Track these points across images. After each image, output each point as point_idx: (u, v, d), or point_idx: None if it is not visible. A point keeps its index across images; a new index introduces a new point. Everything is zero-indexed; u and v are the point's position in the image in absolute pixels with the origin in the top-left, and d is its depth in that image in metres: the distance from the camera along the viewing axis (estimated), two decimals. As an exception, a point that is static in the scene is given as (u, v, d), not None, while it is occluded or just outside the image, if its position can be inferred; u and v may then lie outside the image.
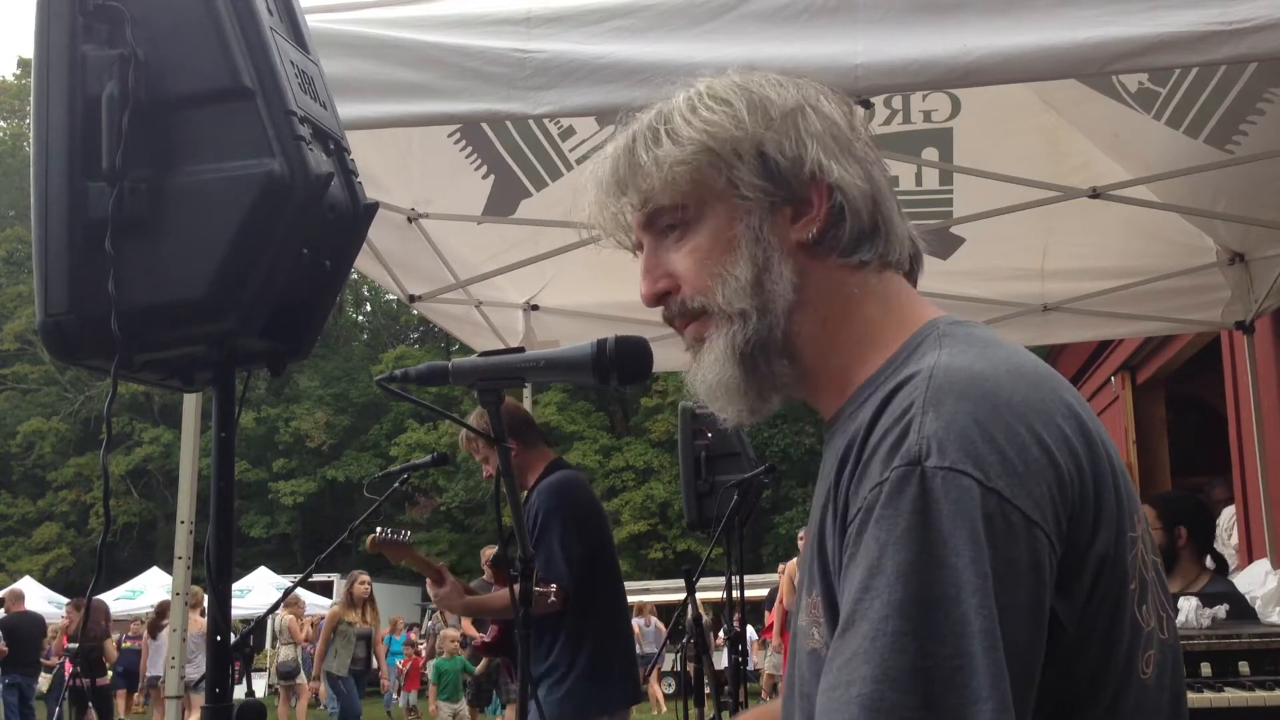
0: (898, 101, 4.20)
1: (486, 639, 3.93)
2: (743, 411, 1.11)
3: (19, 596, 14.23)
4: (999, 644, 0.84)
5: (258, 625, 4.64)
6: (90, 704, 11.75)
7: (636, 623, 19.97)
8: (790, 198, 1.07)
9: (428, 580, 3.65)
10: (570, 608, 3.54)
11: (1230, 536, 6.38)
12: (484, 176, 4.39)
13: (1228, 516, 6.49)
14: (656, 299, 1.13)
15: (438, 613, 16.87)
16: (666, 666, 18.05)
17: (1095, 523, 0.92)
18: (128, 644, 15.66)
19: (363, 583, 12.47)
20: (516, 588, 2.04)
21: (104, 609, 13.77)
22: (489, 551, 3.87)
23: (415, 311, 5.31)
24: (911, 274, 1.13)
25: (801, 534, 9.01)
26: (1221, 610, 3.68)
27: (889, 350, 1.05)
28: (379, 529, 3.64)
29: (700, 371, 1.11)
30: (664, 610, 20.92)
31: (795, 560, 8.94)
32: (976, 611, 0.84)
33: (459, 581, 3.66)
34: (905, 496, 0.87)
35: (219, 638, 1.37)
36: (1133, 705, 0.95)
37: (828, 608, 0.97)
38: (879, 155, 1.12)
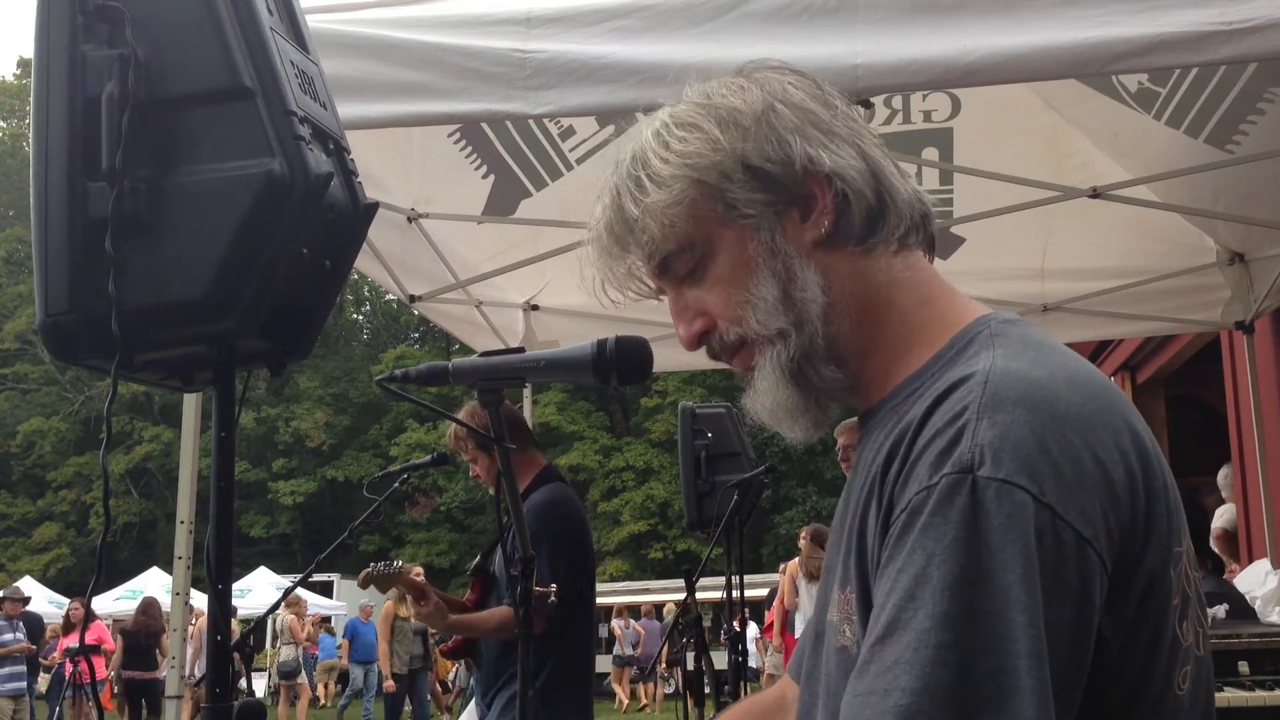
0: (898, 101, 4.20)
1: (449, 645, 3.84)
2: (808, 427, 1.09)
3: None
4: (1045, 664, 0.83)
5: (258, 625, 4.65)
6: (89, 701, 11.75)
7: (616, 624, 19.89)
8: (793, 199, 1.05)
9: (409, 599, 3.57)
10: (548, 628, 3.48)
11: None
12: (484, 176, 4.39)
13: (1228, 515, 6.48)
14: (696, 341, 1.11)
15: None
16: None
17: (1145, 540, 0.91)
18: None
19: (416, 574, 12.02)
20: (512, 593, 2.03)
21: (157, 604, 13.60)
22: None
23: (415, 311, 5.31)
24: (927, 238, 1.10)
25: (802, 534, 9.00)
26: (1221, 610, 3.68)
27: (934, 345, 1.03)
28: (372, 565, 3.60)
29: (758, 398, 1.08)
30: (663, 610, 20.92)
31: (797, 560, 8.93)
32: (1025, 630, 0.82)
33: (442, 599, 3.59)
34: (955, 505, 0.85)
35: (219, 638, 1.37)
36: (1169, 717, 0.94)
37: (861, 605, 0.95)
38: (864, 123, 1.09)
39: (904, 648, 0.84)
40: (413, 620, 12.32)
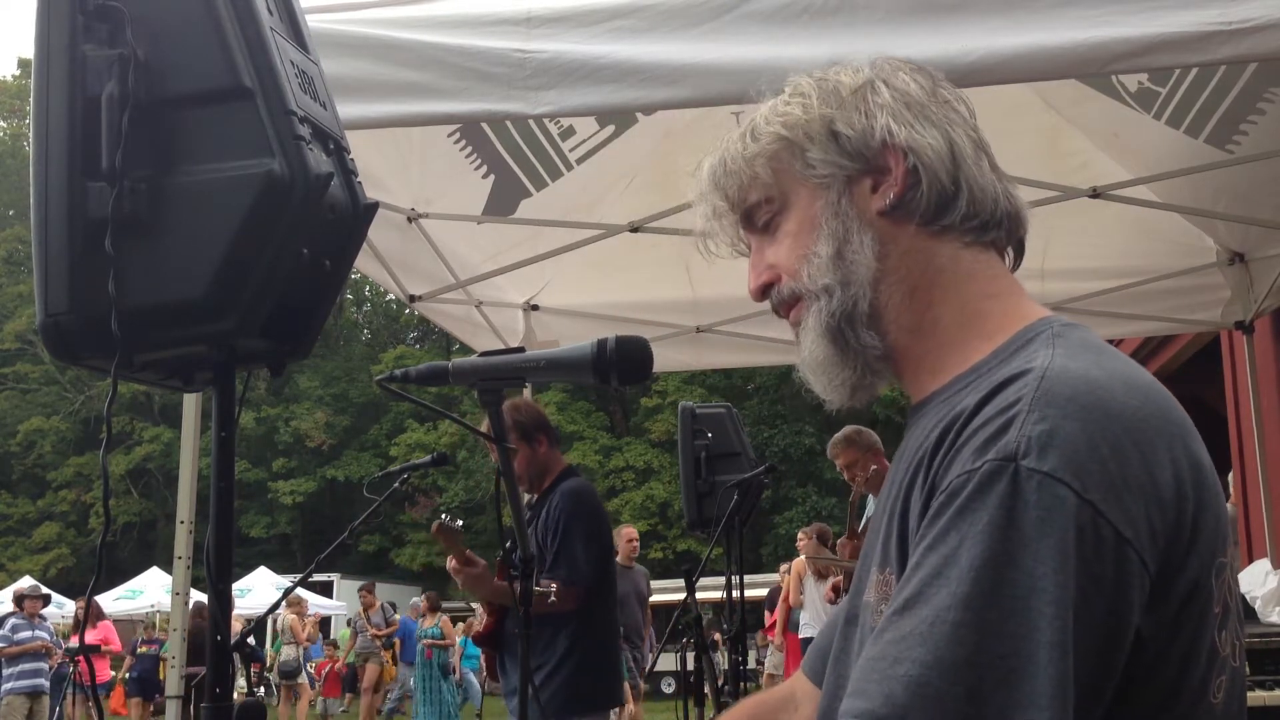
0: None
1: (480, 629, 3.88)
2: (842, 389, 1.11)
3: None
4: (1069, 656, 0.82)
5: (258, 625, 4.65)
6: (90, 701, 11.72)
7: None
8: (867, 169, 1.09)
9: (452, 561, 3.54)
10: (581, 607, 3.57)
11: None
12: (484, 176, 4.39)
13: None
14: (761, 292, 1.16)
15: (365, 611, 15.83)
16: (667, 666, 17.99)
17: (1190, 546, 0.91)
18: (144, 649, 15.51)
19: (630, 540, 9.33)
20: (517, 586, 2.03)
21: (203, 605, 13.40)
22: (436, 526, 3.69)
23: (415, 311, 5.31)
24: (1015, 243, 1.11)
25: (801, 534, 9.00)
26: (1221, 610, 3.66)
27: (994, 340, 1.03)
28: (444, 515, 3.60)
29: (802, 353, 1.12)
30: (664, 610, 20.90)
31: (801, 559, 8.93)
32: (1050, 621, 0.82)
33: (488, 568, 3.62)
34: (994, 492, 0.86)
35: (219, 638, 1.37)
36: None
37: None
38: (966, 116, 1.11)
39: (920, 621, 0.85)
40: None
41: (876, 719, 0.84)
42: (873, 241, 1.07)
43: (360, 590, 16.27)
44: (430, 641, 13.89)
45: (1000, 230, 1.09)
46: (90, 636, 13.80)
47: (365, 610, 15.57)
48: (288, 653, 15.89)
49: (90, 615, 13.34)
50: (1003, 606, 0.83)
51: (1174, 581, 0.90)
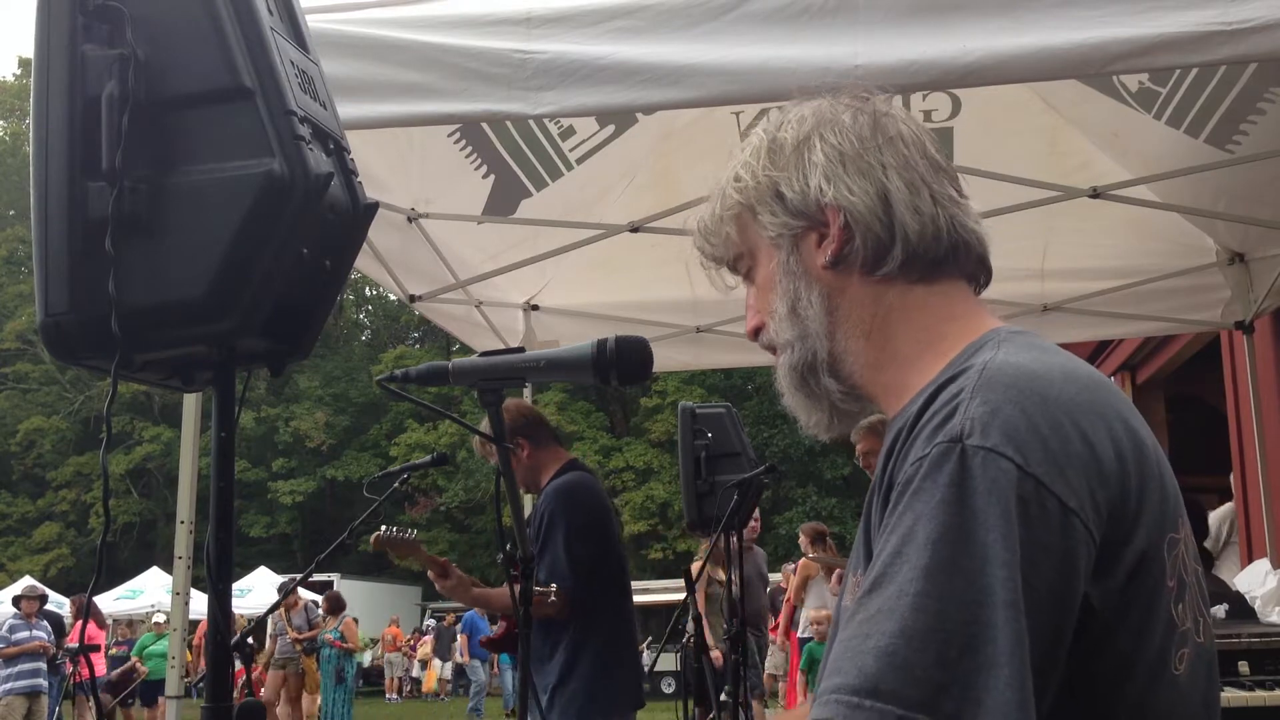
0: (898, 101, 4.19)
1: (493, 635, 3.92)
2: (819, 426, 1.22)
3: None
4: (1022, 617, 0.87)
5: (258, 625, 4.65)
6: (89, 702, 11.72)
7: None
8: (812, 225, 1.15)
9: (431, 573, 3.61)
10: (575, 612, 3.48)
11: (1227, 534, 6.38)
12: (484, 176, 4.39)
13: (1221, 515, 6.48)
14: (754, 334, 1.25)
15: (285, 611, 13.68)
16: (667, 666, 17.99)
17: (1136, 519, 0.96)
18: (115, 650, 15.38)
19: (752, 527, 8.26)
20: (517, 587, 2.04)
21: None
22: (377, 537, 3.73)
23: (415, 311, 5.31)
24: (975, 267, 1.19)
25: (802, 535, 8.99)
26: (1221, 610, 3.68)
27: (948, 355, 1.09)
28: (383, 528, 3.60)
29: (782, 395, 1.22)
30: (664, 610, 20.91)
31: (806, 559, 8.92)
32: (1003, 584, 0.87)
33: (465, 575, 3.65)
34: (944, 471, 0.92)
35: (219, 638, 1.37)
36: (1166, 697, 0.98)
37: None
38: (914, 144, 1.15)
39: (887, 598, 0.90)
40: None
41: (851, 690, 0.88)
42: (820, 296, 1.15)
43: (279, 588, 14.02)
44: (328, 639, 13.61)
45: (950, 263, 1.15)
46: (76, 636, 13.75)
47: (286, 610, 13.14)
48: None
49: (78, 614, 13.24)
50: (960, 576, 0.88)
51: (1120, 552, 0.95)
